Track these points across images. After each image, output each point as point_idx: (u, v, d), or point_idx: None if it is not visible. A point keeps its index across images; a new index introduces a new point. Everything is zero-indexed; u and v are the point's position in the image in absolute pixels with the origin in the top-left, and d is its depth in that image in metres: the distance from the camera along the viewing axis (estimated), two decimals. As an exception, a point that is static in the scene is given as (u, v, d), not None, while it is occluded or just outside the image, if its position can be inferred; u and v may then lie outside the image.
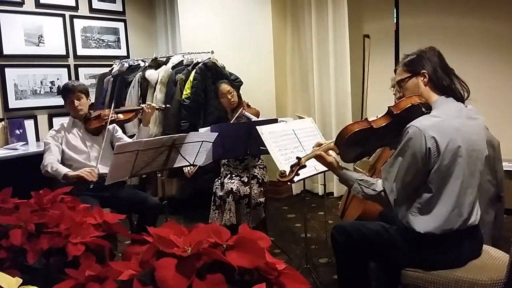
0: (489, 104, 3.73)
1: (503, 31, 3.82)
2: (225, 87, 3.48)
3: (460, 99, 1.76)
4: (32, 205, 1.67)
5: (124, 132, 3.53)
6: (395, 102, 2.51)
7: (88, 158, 2.87)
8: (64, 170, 2.69)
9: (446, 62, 1.78)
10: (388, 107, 1.78)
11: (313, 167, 2.45)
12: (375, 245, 1.82)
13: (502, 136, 2.61)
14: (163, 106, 3.37)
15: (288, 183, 1.88)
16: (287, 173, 1.84)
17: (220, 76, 4.10)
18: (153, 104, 3.07)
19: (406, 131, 1.66)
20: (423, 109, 1.73)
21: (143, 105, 3.07)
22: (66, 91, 2.87)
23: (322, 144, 1.89)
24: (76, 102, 2.84)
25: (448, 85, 1.74)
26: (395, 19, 4.07)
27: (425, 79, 1.75)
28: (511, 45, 3.81)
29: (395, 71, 1.89)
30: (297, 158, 1.85)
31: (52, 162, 2.72)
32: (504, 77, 3.85)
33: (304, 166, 1.85)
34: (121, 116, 3.05)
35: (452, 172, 1.65)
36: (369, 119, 1.80)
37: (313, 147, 1.92)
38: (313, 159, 1.87)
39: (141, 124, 3.08)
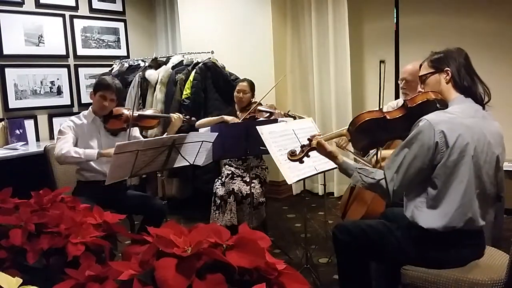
0: (489, 104, 3.72)
1: (503, 31, 3.82)
2: (243, 85, 3.52)
3: (480, 101, 1.76)
4: (32, 205, 1.67)
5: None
6: (404, 96, 2.52)
7: (100, 161, 2.75)
8: (95, 150, 2.66)
9: (471, 64, 1.79)
10: (404, 100, 1.81)
11: (313, 167, 2.45)
12: (377, 244, 1.81)
13: (502, 136, 2.60)
14: (189, 117, 2.99)
15: (298, 163, 1.93)
16: (297, 152, 1.87)
17: (220, 76, 4.10)
18: (182, 117, 2.91)
19: (417, 124, 1.67)
20: (438, 105, 1.74)
21: (171, 115, 2.92)
22: (102, 86, 2.77)
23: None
24: (106, 102, 2.76)
25: (469, 86, 1.75)
26: (395, 19, 4.06)
27: (447, 77, 1.76)
28: (511, 45, 3.81)
29: (420, 66, 1.89)
30: (309, 139, 1.89)
31: (74, 148, 2.64)
32: (504, 77, 3.84)
33: (315, 148, 1.89)
34: (144, 121, 2.93)
35: (458, 169, 1.64)
36: (384, 110, 1.82)
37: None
38: (316, 154, 1.90)
39: (165, 134, 2.87)
